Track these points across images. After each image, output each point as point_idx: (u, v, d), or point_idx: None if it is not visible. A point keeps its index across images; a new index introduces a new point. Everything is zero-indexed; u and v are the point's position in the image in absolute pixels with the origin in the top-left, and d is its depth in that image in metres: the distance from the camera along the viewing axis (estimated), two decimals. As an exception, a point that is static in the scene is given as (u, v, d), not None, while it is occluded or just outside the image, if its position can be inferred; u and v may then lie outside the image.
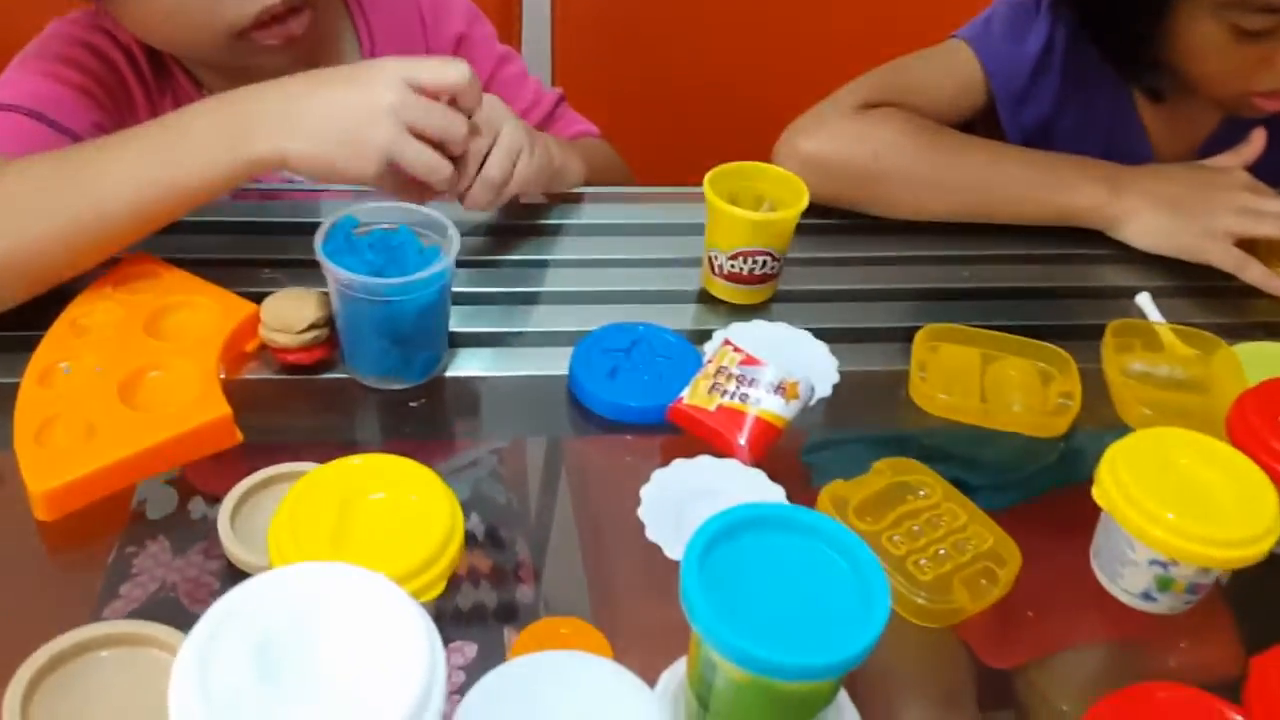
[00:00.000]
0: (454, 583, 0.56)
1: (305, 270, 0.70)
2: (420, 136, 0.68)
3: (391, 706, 0.36)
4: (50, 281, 0.71)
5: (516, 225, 0.84)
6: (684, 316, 0.77)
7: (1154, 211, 0.87)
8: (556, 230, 0.85)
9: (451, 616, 0.55)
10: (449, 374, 0.72)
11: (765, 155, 0.86)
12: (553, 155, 0.81)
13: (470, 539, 0.58)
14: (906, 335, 0.73)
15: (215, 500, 0.62)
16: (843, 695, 0.46)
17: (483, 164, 0.73)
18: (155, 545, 0.61)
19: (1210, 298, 0.83)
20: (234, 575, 0.57)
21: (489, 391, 0.72)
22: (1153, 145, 0.98)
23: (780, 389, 0.63)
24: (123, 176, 0.69)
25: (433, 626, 0.39)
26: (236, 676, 0.36)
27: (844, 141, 0.89)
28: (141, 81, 0.85)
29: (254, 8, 0.77)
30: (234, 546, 0.56)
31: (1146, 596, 0.57)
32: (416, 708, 0.36)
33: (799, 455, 0.67)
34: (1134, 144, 0.97)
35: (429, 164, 0.68)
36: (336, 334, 0.71)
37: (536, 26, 1.18)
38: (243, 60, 0.82)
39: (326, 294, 0.69)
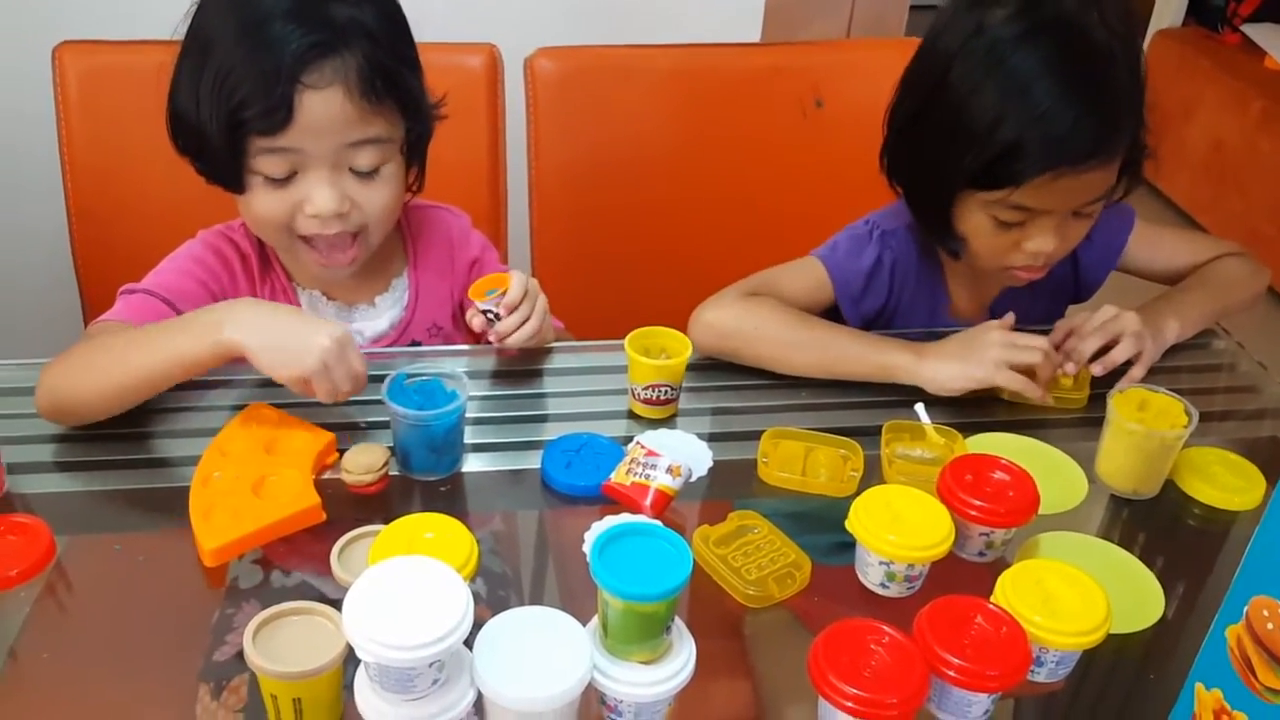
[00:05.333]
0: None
1: (373, 406, 1.05)
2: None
3: (447, 619, 0.73)
4: (106, 412, 1.04)
5: (508, 370, 1.21)
6: (616, 428, 1.11)
7: (945, 362, 1.13)
8: (535, 373, 1.21)
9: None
10: (465, 469, 1.05)
11: (679, 317, 1.20)
12: (548, 323, 1.17)
13: (484, 557, 0.90)
14: (757, 435, 1.08)
15: (289, 573, 0.91)
16: (683, 627, 0.82)
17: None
18: (249, 606, 0.88)
19: (960, 405, 1.14)
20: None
21: (489, 479, 1.06)
22: (954, 308, 1.33)
23: (670, 470, 0.99)
24: (147, 350, 1.02)
25: (467, 589, 0.76)
26: (371, 603, 0.74)
27: (734, 314, 1.19)
28: (248, 274, 1.21)
29: (308, 229, 1.12)
30: (343, 574, 0.89)
31: (883, 585, 0.94)
32: (459, 622, 0.73)
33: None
34: (942, 311, 1.32)
35: (329, 389, 1.00)
36: (395, 457, 1.03)
37: (518, 225, 1.58)
38: (302, 261, 1.17)
39: (386, 445, 1.02)
